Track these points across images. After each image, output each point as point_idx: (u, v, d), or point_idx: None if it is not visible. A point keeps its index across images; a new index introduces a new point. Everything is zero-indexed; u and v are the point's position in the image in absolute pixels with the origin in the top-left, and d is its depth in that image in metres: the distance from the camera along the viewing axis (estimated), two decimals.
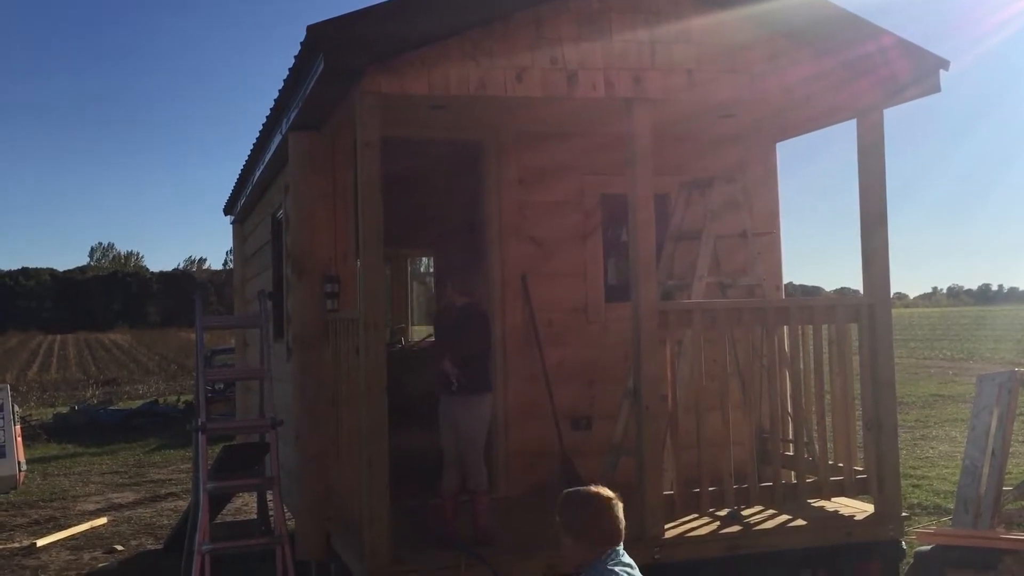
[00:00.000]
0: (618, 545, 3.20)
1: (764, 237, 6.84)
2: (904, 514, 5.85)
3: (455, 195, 8.90)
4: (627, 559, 3.20)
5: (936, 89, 5.80)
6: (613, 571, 3.12)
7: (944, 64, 5.72)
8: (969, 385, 20.72)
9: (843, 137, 6.47)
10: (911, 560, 6.32)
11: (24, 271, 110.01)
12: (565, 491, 3.32)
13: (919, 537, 6.48)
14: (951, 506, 9.11)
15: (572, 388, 6.72)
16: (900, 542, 5.66)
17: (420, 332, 13.15)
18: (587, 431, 6.71)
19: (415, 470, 6.19)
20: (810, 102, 5.75)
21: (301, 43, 5.03)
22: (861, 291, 6.05)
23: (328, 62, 4.81)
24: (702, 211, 6.36)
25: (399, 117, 5.66)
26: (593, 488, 3.27)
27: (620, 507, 3.21)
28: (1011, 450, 6.96)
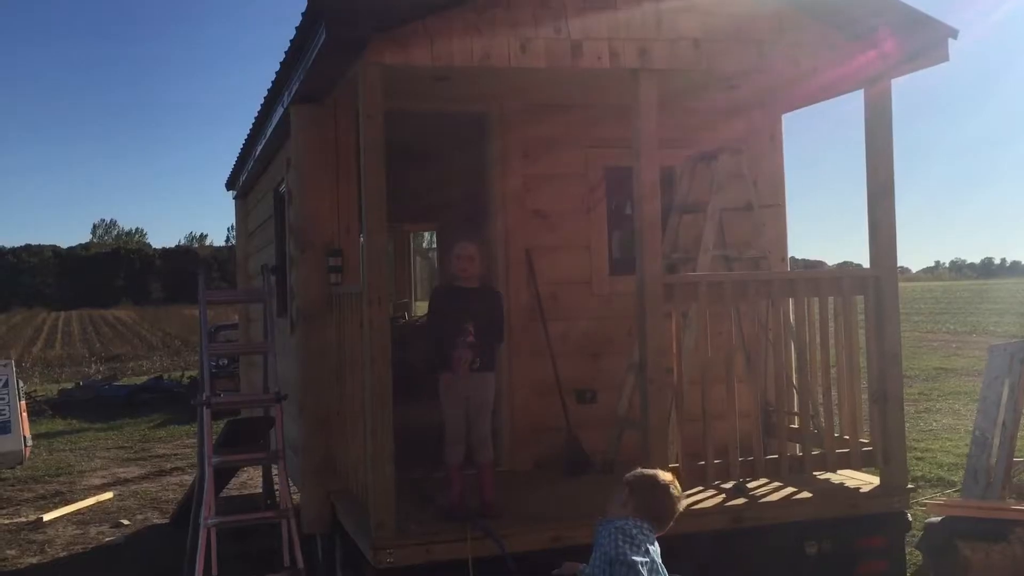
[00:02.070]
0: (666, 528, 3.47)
1: (769, 209, 6.80)
2: (910, 486, 5.85)
3: (458, 168, 8.85)
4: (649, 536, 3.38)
5: (944, 58, 5.73)
6: (620, 528, 3.33)
7: (952, 32, 5.65)
8: (972, 358, 20.74)
9: (849, 108, 6.42)
10: (917, 533, 6.33)
11: (27, 248, 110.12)
12: (639, 471, 3.58)
13: (929, 508, 6.49)
14: (955, 478, 9.14)
15: (577, 361, 6.71)
16: (906, 514, 5.66)
17: (423, 307, 13.14)
18: (592, 404, 6.70)
19: (418, 442, 6.19)
20: (816, 72, 5.69)
21: (303, 14, 4.97)
22: (864, 264, 6.02)
23: (330, 33, 4.75)
24: (707, 183, 6.32)
25: (402, 89, 5.60)
26: (662, 475, 3.55)
27: (683, 499, 3.54)
28: (1022, 421, 6.94)
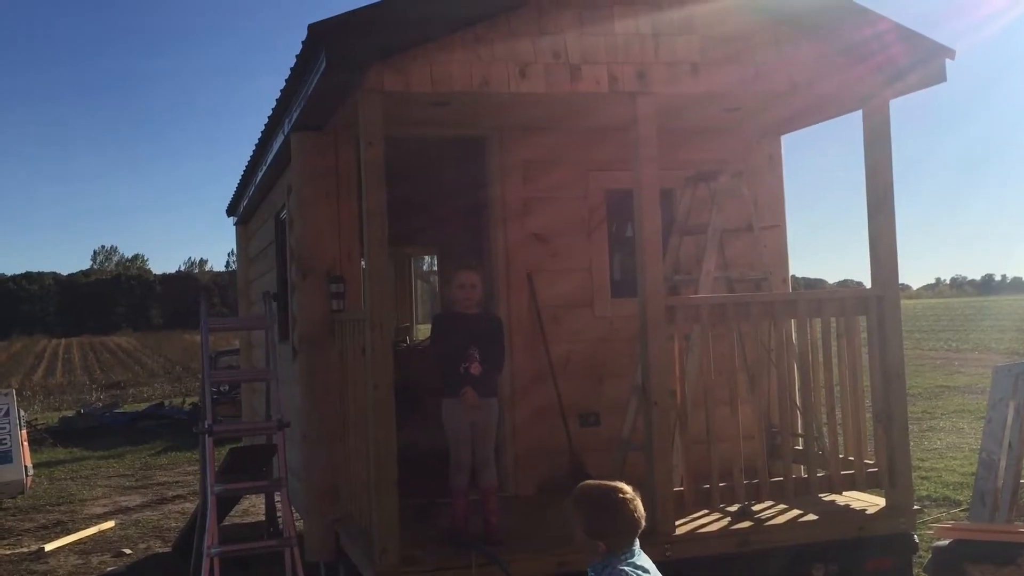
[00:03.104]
0: (634, 541, 3.12)
1: (770, 230, 6.80)
2: (915, 507, 5.82)
3: (458, 192, 8.86)
4: (643, 560, 3.12)
5: (942, 79, 5.76)
6: (623, 571, 3.02)
7: (949, 53, 5.68)
8: (974, 376, 20.69)
9: (848, 128, 6.44)
10: (924, 554, 6.28)
11: (27, 275, 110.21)
12: (581, 484, 3.19)
13: (937, 532, 6.44)
14: (961, 498, 9.09)
15: (579, 384, 6.70)
16: (913, 535, 5.62)
17: (425, 331, 13.12)
18: (595, 427, 6.67)
19: (422, 467, 6.16)
20: (813, 92, 5.71)
21: (303, 41, 5.00)
22: (864, 283, 6.01)
23: (330, 60, 4.78)
24: (707, 205, 6.33)
25: (402, 114, 5.63)
26: (610, 483, 3.12)
27: (638, 502, 3.08)
28: None
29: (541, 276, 6.69)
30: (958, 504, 8.93)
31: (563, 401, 6.58)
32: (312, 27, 4.76)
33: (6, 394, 12.63)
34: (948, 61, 5.70)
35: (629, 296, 6.03)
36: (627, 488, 3.11)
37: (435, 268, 14.98)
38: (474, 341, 5.34)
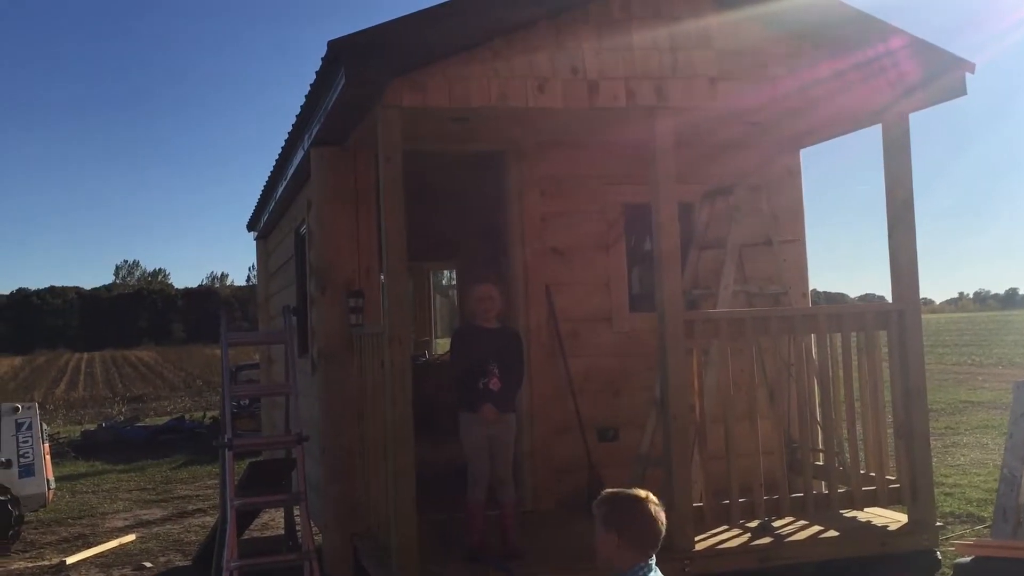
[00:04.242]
0: (653, 551, 3.14)
1: (789, 244, 6.77)
2: (938, 523, 5.76)
3: (477, 207, 8.90)
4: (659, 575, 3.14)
5: (961, 92, 5.74)
6: None
7: (969, 67, 5.66)
8: (998, 391, 20.45)
9: (869, 139, 6.41)
10: (947, 571, 6.21)
11: (51, 289, 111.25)
12: (607, 490, 3.28)
13: (958, 548, 6.36)
14: (985, 515, 8.97)
15: (598, 399, 6.68)
16: (936, 552, 5.57)
17: (443, 345, 13.13)
18: (614, 442, 6.65)
19: (440, 482, 6.16)
20: (831, 105, 5.70)
21: (323, 58, 5.04)
22: (885, 297, 5.98)
23: (349, 76, 4.82)
24: (726, 219, 6.32)
25: (420, 129, 5.65)
26: (635, 489, 3.23)
27: (661, 511, 3.16)
28: None
29: (559, 290, 6.69)
30: (982, 521, 8.81)
31: (581, 416, 6.56)
32: (331, 43, 4.81)
33: (29, 408, 12.72)
34: (968, 74, 5.67)
35: (648, 310, 6.01)
36: (653, 496, 3.19)
37: (454, 282, 15.02)
38: (493, 356, 5.34)
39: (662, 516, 3.14)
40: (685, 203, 6.48)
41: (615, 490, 3.24)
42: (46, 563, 9.60)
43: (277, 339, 8.14)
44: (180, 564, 9.37)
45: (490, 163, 6.94)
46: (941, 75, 5.63)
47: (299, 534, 6.78)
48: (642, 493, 3.17)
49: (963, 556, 6.18)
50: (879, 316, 5.75)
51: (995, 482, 9.43)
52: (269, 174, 8.52)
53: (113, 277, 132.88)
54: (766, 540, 5.44)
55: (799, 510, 5.60)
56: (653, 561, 3.14)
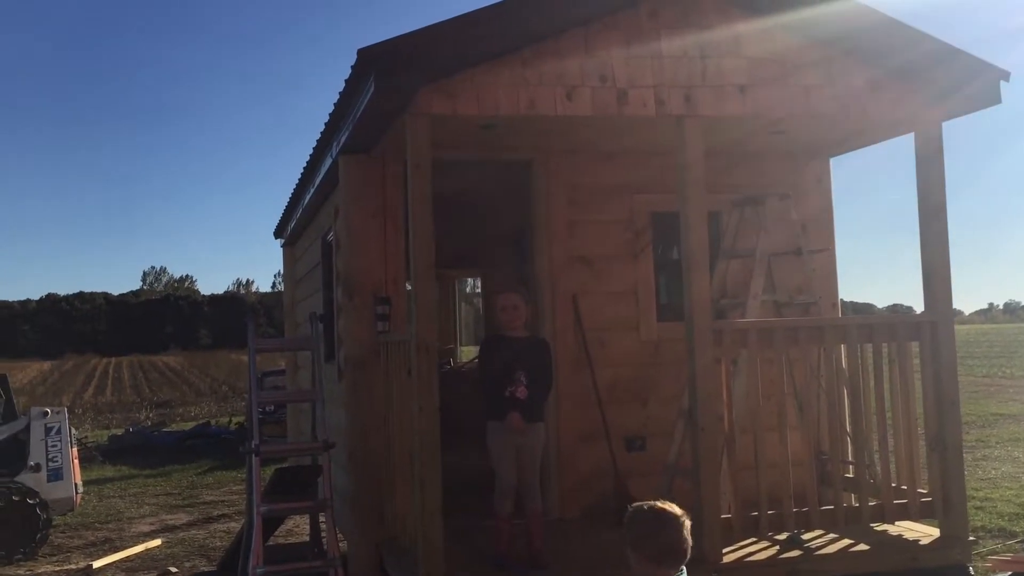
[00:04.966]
0: (680, 565, 3.09)
1: (819, 253, 6.71)
2: (971, 538, 5.67)
3: (504, 215, 8.89)
4: None
5: (996, 100, 5.66)
6: None
7: (1004, 75, 5.59)
8: None
9: (900, 147, 6.34)
10: None
11: (80, 295, 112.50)
12: (633, 505, 3.22)
13: (994, 565, 6.27)
14: (1017, 529, 8.84)
15: (625, 408, 6.64)
16: (968, 567, 5.47)
17: (468, 353, 13.13)
18: (641, 452, 6.61)
19: (467, 490, 6.14)
20: (862, 113, 5.65)
21: (352, 66, 5.06)
22: (913, 308, 5.91)
23: (379, 84, 4.83)
24: (755, 228, 6.27)
25: (448, 137, 5.66)
26: (660, 503, 3.16)
27: (686, 525, 3.09)
28: None
29: (586, 299, 6.67)
30: (1014, 535, 8.68)
31: (608, 425, 6.52)
32: (361, 52, 4.82)
33: (58, 412, 12.84)
34: (1003, 82, 5.60)
35: (675, 320, 5.97)
36: (675, 509, 3.12)
37: (479, 290, 15.02)
38: (521, 365, 5.33)
39: (686, 528, 3.08)
40: (713, 212, 6.44)
41: (639, 506, 3.18)
42: (73, 567, 9.67)
43: (304, 346, 8.17)
44: (205, 569, 9.41)
45: (517, 171, 6.93)
46: (974, 82, 5.56)
47: (324, 541, 6.78)
48: (664, 509, 3.11)
49: (999, 572, 6.09)
50: (911, 327, 5.67)
51: None
52: (297, 181, 8.57)
53: (141, 283, 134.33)
54: (795, 553, 5.37)
55: (829, 523, 5.53)
56: (684, 573, 3.10)
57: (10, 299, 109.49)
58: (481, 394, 5.53)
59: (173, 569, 9.39)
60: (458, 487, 5.82)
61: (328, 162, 6.65)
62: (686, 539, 3.08)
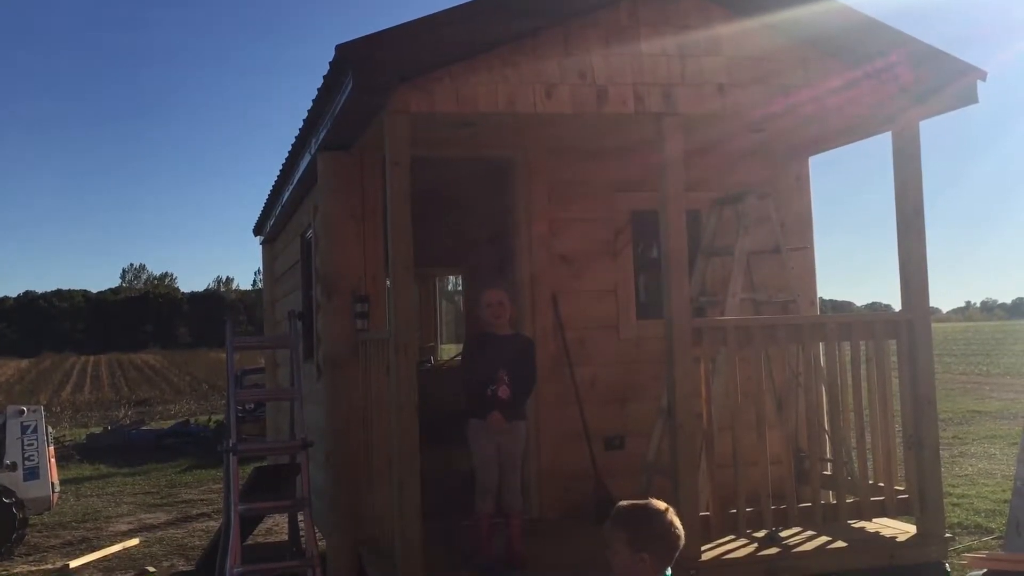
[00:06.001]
0: (670, 563, 3.08)
1: (797, 252, 6.74)
2: (947, 535, 5.71)
3: (484, 213, 8.87)
4: None
5: (973, 100, 5.70)
6: None
7: (981, 74, 5.63)
8: (1006, 401, 20.37)
9: (878, 146, 6.37)
10: None
11: (58, 293, 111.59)
12: (618, 505, 3.20)
13: (970, 562, 6.31)
14: (993, 525, 8.92)
15: (604, 407, 6.64)
16: (944, 564, 5.51)
17: (449, 351, 13.11)
18: (620, 450, 6.61)
19: (446, 488, 6.13)
20: (841, 113, 5.67)
21: (330, 62, 5.03)
22: (891, 306, 5.94)
23: (357, 81, 4.80)
24: (734, 226, 6.28)
25: (427, 135, 5.64)
26: (652, 500, 3.16)
27: (676, 517, 3.12)
28: None
29: (566, 298, 6.66)
30: (990, 532, 8.76)
31: (587, 424, 6.52)
32: (340, 48, 4.79)
33: (35, 411, 12.73)
34: (979, 82, 5.64)
35: (655, 318, 5.98)
36: (663, 504, 3.13)
37: (460, 288, 14.99)
38: (504, 363, 5.31)
39: (677, 521, 3.09)
40: (693, 211, 6.45)
41: (627, 505, 3.15)
42: (50, 567, 9.58)
43: (283, 344, 8.12)
44: (184, 569, 9.36)
45: (498, 169, 6.92)
46: (952, 82, 5.59)
47: (303, 540, 6.75)
48: (655, 503, 3.12)
49: (975, 570, 6.12)
50: (889, 325, 5.71)
51: (1004, 493, 9.38)
52: (276, 178, 8.52)
53: (120, 280, 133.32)
54: (773, 551, 5.39)
55: (807, 520, 5.55)
56: (668, 572, 3.10)
57: None
58: (463, 392, 5.52)
59: (151, 568, 9.32)
60: (439, 486, 5.81)
61: (307, 159, 6.62)
62: (680, 528, 3.10)
